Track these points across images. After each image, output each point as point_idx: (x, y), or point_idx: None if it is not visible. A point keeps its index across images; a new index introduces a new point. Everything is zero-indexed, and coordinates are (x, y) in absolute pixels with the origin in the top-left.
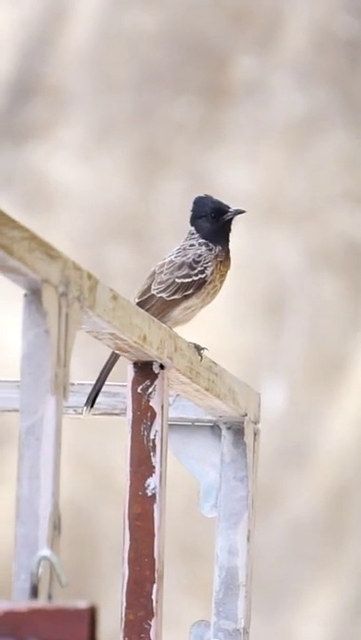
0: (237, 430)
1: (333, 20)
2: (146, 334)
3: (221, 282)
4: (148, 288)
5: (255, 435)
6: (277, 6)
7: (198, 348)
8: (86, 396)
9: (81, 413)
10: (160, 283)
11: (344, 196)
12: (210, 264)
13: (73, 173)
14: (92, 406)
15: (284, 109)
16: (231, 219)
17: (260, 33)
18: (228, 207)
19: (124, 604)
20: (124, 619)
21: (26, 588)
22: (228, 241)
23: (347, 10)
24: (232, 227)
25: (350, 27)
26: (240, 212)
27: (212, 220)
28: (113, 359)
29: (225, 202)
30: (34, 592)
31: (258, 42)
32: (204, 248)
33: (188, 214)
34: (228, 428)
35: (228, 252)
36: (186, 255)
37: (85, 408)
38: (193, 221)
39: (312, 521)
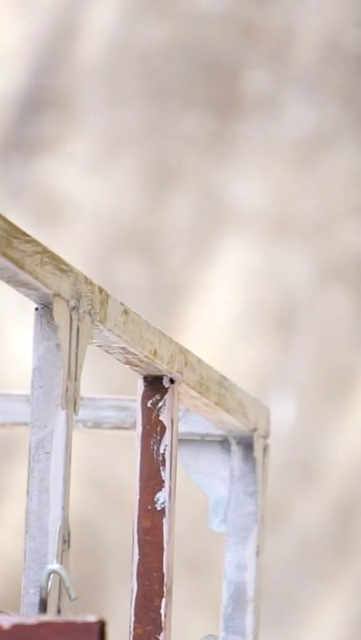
0: (247, 445)
1: (344, 34)
2: (156, 349)
3: None
4: None
5: (265, 449)
6: (288, 21)
7: None
8: (96, 410)
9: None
10: None
11: (355, 210)
12: None
13: (83, 187)
14: None
15: (295, 124)
16: None
17: (271, 47)
18: None
19: (133, 618)
20: (132, 632)
21: (35, 602)
22: None
23: (357, 24)
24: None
25: None
26: None
27: None
28: None
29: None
30: (43, 606)
31: (268, 56)
32: None
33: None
34: (238, 443)
35: None
36: None
37: None
38: None
39: (321, 535)
